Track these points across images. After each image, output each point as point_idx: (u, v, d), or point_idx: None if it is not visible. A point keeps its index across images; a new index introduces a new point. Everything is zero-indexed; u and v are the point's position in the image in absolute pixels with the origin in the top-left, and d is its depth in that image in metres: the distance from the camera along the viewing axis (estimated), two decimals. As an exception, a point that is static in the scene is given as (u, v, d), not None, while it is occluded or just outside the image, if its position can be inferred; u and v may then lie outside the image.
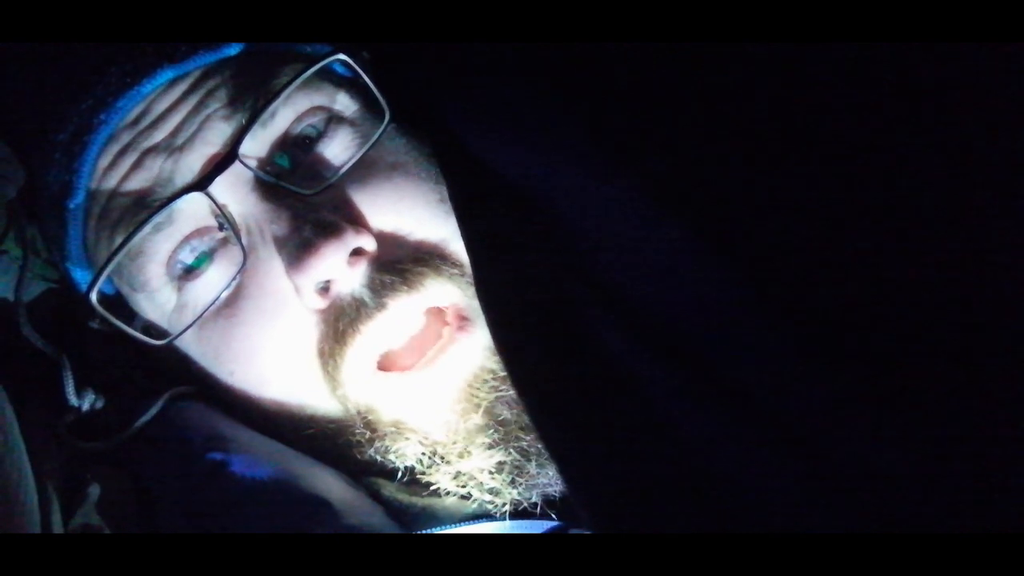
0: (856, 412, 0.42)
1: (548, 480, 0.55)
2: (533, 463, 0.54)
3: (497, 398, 0.54)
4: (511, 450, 0.54)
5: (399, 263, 0.55)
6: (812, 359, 0.43)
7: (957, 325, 0.41)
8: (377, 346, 0.55)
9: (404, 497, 0.57)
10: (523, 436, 0.54)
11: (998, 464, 0.39)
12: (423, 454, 0.55)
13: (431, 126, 0.59)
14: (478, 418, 0.54)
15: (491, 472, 0.55)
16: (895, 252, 0.42)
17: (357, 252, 0.54)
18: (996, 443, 0.39)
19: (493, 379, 0.55)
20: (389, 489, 0.57)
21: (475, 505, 0.56)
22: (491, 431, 0.54)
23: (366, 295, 0.54)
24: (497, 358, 0.54)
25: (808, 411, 0.42)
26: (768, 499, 0.42)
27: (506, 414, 0.54)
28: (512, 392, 0.54)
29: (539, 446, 0.54)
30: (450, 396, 0.55)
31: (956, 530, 0.38)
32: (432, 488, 0.56)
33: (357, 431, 0.56)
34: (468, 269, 0.56)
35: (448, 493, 0.56)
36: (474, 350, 0.55)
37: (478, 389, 0.55)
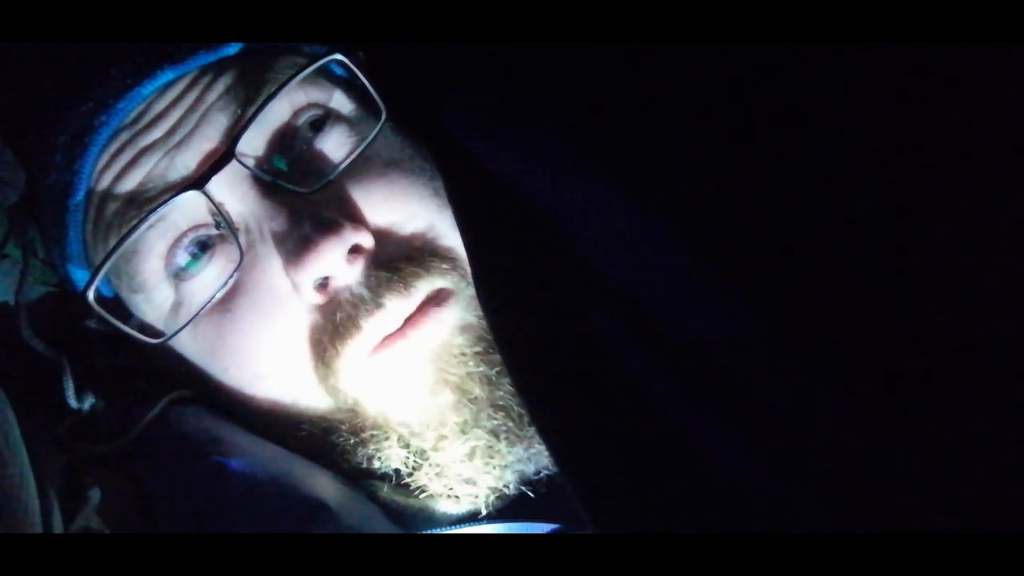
0: (855, 412, 0.42)
1: (518, 457, 0.55)
2: (503, 442, 0.55)
3: (467, 374, 0.55)
4: (481, 431, 0.54)
5: (395, 261, 0.55)
6: (812, 359, 0.43)
7: (958, 325, 0.41)
8: (373, 339, 0.55)
9: (400, 498, 0.57)
10: (494, 415, 0.54)
11: (998, 464, 0.39)
12: (406, 457, 0.56)
13: (427, 126, 0.59)
14: (447, 394, 0.54)
15: (463, 460, 0.55)
16: (895, 253, 0.42)
17: (355, 249, 0.54)
18: (996, 443, 0.39)
19: (462, 354, 0.55)
20: (385, 491, 0.57)
21: (468, 505, 0.57)
22: (461, 408, 0.54)
23: (364, 292, 0.54)
24: (464, 336, 0.55)
25: (808, 411, 0.42)
26: (767, 499, 0.42)
27: (478, 391, 0.54)
28: (482, 368, 0.54)
29: (509, 424, 0.54)
30: (422, 371, 0.55)
31: (956, 530, 0.38)
32: (422, 491, 0.56)
33: (342, 436, 0.57)
34: (460, 263, 0.56)
35: (438, 495, 0.56)
36: (444, 326, 0.55)
37: (446, 364, 0.55)
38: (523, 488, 0.56)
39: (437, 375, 0.55)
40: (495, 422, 0.55)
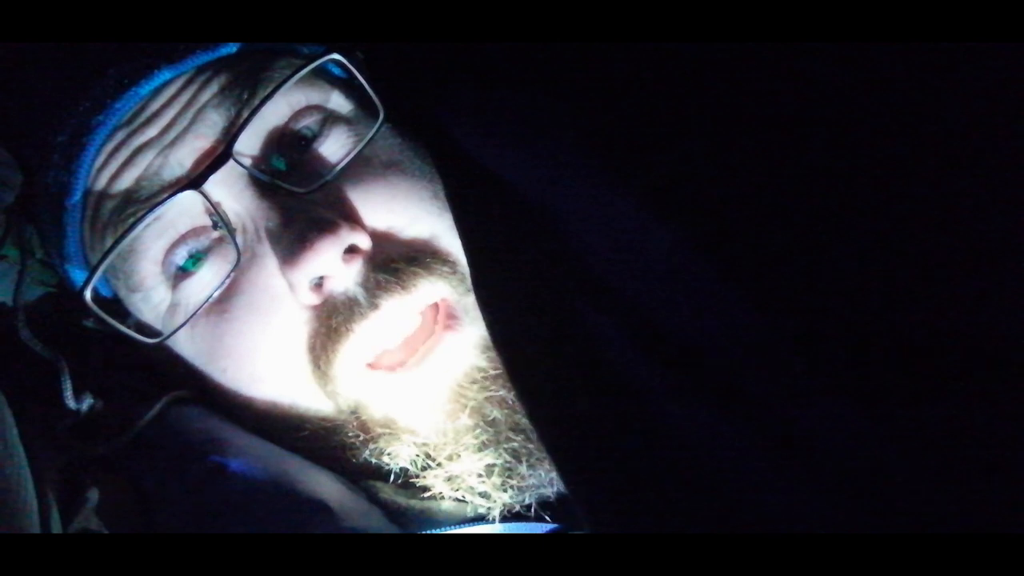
0: (855, 412, 0.42)
1: (540, 481, 0.55)
2: (524, 464, 0.54)
3: (487, 398, 0.54)
4: (501, 452, 0.54)
5: (393, 262, 0.55)
6: (811, 360, 0.43)
7: (957, 325, 0.41)
8: (369, 344, 0.55)
9: (402, 500, 0.57)
10: (514, 437, 0.54)
11: (998, 464, 0.39)
12: (416, 455, 0.55)
13: (425, 126, 0.59)
14: (466, 418, 0.54)
15: (480, 475, 0.54)
16: (894, 253, 0.42)
17: (352, 249, 0.54)
18: (996, 443, 0.39)
19: (483, 378, 0.54)
20: (386, 492, 0.57)
21: (472, 508, 0.56)
22: (479, 431, 0.54)
23: (360, 294, 0.54)
24: (487, 356, 0.55)
25: (807, 411, 0.42)
26: (767, 499, 0.42)
27: (496, 414, 0.54)
28: (502, 392, 0.54)
29: (530, 447, 0.54)
30: (439, 396, 0.55)
31: (956, 530, 0.38)
32: (427, 492, 0.56)
33: (350, 433, 0.56)
34: (460, 266, 0.56)
35: (443, 496, 0.56)
36: (463, 348, 0.55)
37: (467, 389, 0.54)
38: (540, 510, 0.56)
39: (456, 400, 0.54)
40: (515, 444, 0.54)
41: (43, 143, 0.57)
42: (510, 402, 0.54)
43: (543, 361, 0.50)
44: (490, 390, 0.54)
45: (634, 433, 0.46)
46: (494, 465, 0.54)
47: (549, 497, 0.56)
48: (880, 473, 0.40)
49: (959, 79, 0.43)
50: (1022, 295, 0.40)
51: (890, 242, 0.43)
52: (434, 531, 0.56)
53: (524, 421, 0.54)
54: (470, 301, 0.55)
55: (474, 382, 0.54)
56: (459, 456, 0.55)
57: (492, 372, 0.54)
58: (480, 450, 0.54)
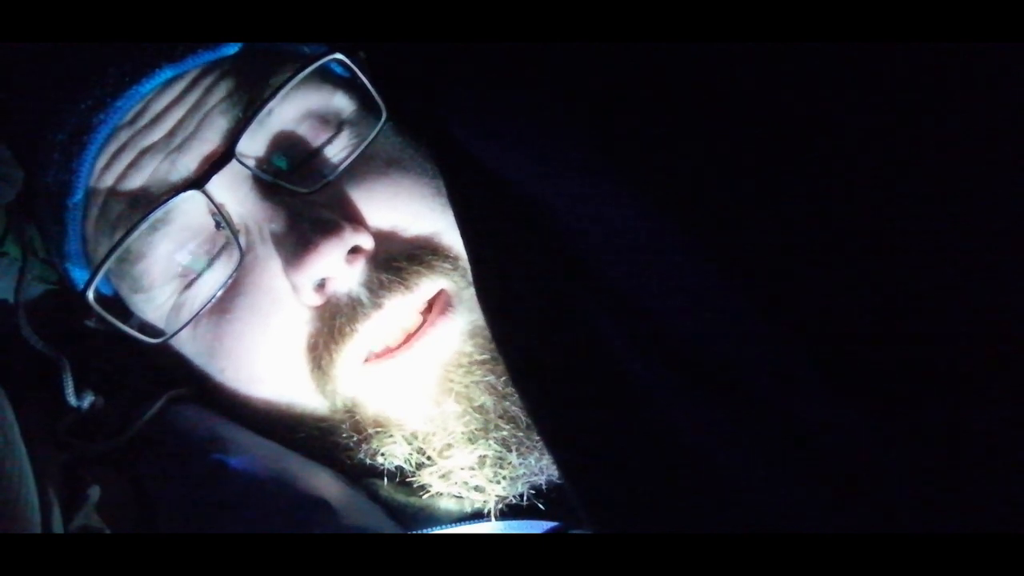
0: (856, 412, 0.42)
1: (531, 470, 0.55)
2: (514, 453, 0.54)
3: (473, 383, 0.54)
4: (491, 442, 0.54)
5: (395, 260, 0.55)
6: (811, 359, 0.43)
7: (957, 325, 0.41)
8: (371, 343, 0.55)
9: (402, 497, 0.57)
10: (503, 426, 0.54)
11: (998, 464, 0.39)
12: (410, 453, 0.56)
13: (427, 126, 0.59)
14: (452, 404, 0.54)
15: (472, 468, 0.55)
16: (896, 253, 0.42)
17: (355, 250, 0.54)
18: (996, 443, 0.39)
19: (469, 363, 0.55)
20: (385, 490, 0.57)
21: (469, 503, 0.57)
22: (468, 419, 0.54)
23: (363, 294, 0.54)
24: (473, 342, 0.55)
25: (808, 411, 0.42)
26: (768, 499, 0.42)
27: (484, 400, 0.54)
28: (490, 378, 0.54)
29: (519, 435, 0.54)
30: (426, 382, 0.55)
31: (956, 530, 0.38)
32: (425, 490, 0.56)
33: (344, 434, 0.56)
34: (461, 262, 0.56)
35: (441, 494, 0.56)
36: (451, 334, 0.55)
37: (453, 373, 0.55)
38: (533, 499, 0.56)
39: (443, 385, 0.55)
40: (504, 433, 0.54)
41: (44, 141, 0.57)
42: (499, 389, 0.54)
43: (544, 358, 0.50)
44: (476, 375, 0.54)
45: (634, 431, 0.46)
46: (485, 456, 0.54)
47: (541, 485, 0.56)
48: (880, 473, 0.40)
49: (959, 79, 0.43)
50: (1023, 295, 0.40)
51: (892, 242, 0.43)
52: (434, 528, 0.56)
53: (513, 409, 0.54)
54: (468, 293, 0.55)
55: (460, 367, 0.55)
56: (450, 449, 0.55)
57: (478, 357, 0.55)
58: (471, 441, 0.54)
